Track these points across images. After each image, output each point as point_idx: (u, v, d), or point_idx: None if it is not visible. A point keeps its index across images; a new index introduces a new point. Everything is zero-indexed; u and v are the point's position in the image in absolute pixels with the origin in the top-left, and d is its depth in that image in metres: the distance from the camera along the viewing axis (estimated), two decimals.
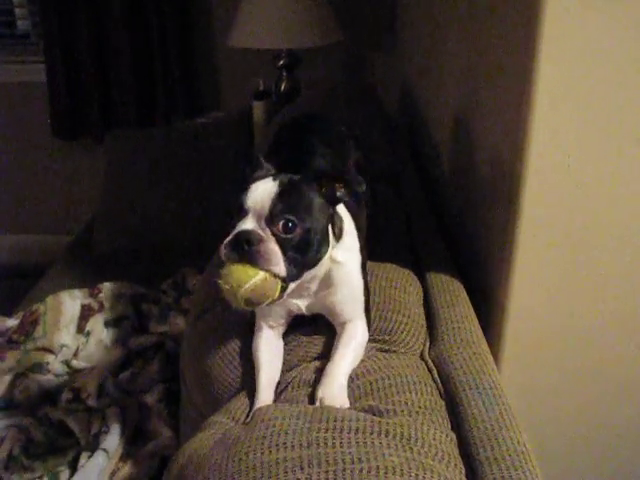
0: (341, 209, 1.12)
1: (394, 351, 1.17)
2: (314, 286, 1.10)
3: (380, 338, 1.18)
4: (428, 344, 1.24)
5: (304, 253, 1.00)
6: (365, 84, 2.65)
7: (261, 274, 0.96)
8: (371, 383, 1.06)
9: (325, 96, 2.54)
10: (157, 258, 2.46)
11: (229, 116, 3.09)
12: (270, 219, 0.97)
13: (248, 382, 1.15)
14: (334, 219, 1.08)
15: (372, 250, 1.43)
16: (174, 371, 1.62)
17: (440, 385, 1.12)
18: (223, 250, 0.97)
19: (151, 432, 1.57)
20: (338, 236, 1.10)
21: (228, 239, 0.97)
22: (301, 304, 1.14)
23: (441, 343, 1.21)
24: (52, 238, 3.65)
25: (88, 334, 1.86)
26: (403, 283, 1.34)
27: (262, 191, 1.00)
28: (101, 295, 1.97)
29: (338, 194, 1.04)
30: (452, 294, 1.35)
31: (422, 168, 2.17)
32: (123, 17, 3.15)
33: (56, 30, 3.22)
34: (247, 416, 1.06)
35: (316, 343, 1.19)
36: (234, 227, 0.99)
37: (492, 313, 1.37)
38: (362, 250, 1.18)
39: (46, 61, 3.31)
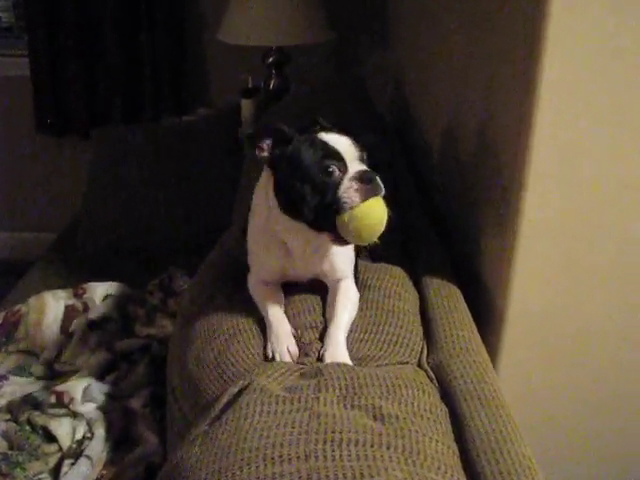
0: None
1: (391, 364, 1.13)
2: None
3: (374, 354, 1.15)
4: (426, 352, 1.20)
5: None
6: (355, 81, 2.60)
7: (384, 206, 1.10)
8: (372, 377, 1.03)
9: (314, 93, 2.51)
10: (143, 257, 2.40)
11: (217, 113, 3.04)
12: (361, 159, 1.12)
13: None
14: None
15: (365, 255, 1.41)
16: (160, 375, 1.57)
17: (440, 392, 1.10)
18: (355, 192, 1.08)
19: (136, 438, 1.52)
20: None
21: (354, 183, 1.08)
22: (299, 270, 1.27)
23: (439, 351, 1.18)
24: (36, 236, 3.58)
25: (72, 336, 1.80)
26: (398, 290, 1.31)
27: (344, 141, 1.13)
28: (86, 295, 1.92)
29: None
30: (450, 300, 1.31)
31: (414, 168, 2.14)
32: (111, 10, 3.07)
33: (40, 23, 3.13)
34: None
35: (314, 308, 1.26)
36: (340, 178, 1.09)
37: (490, 319, 1.34)
38: None
39: (30, 55, 3.22)
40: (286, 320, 1.22)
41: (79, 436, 1.52)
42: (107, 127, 2.87)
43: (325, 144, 1.12)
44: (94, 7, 3.09)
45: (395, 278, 1.36)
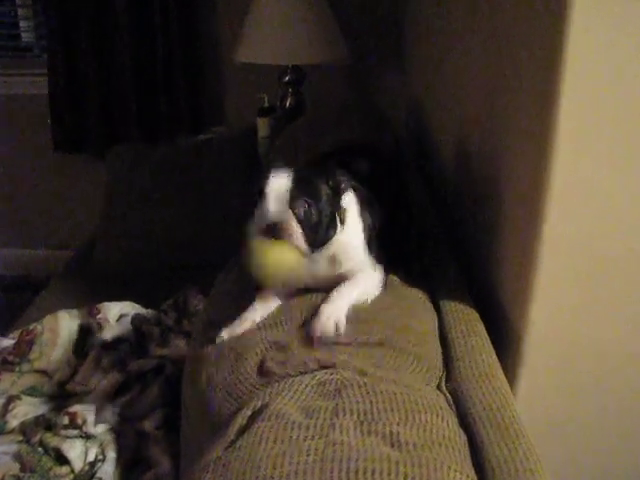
0: (348, 201, 1.29)
1: (410, 385, 1.10)
2: (322, 263, 1.26)
3: (391, 379, 1.12)
4: (444, 376, 1.18)
5: (317, 231, 1.19)
6: (371, 100, 2.60)
7: (287, 247, 1.15)
8: (392, 401, 1.00)
9: (329, 113, 2.51)
10: (158, 276, 2.39)
11: (233, 132, 3.04)
12: (291, 201, 1.16)
13: None
14: (340, 209, 1.26)
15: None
16: (175, 396, 1.56)
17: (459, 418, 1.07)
18: (253, 229, 1.16)
19: (149, 461, 1.50)
20: (342, 223, 1.27)
21: (256, 220, 1.17)
22: (312, 283, 1.30)
23: (458, 376, 1.16)
24: (53, 253, 3.59)
25: (85, 356, 1.79)
26: (417, 311, 1.29)
27: (281, 180, 1.18)
28: (100, 315, 1.91)
29: (342, 185, 1.25)
30: (468, 324, 1.29)
31: (430, 186, 2.12)
32: (127, 31, 3.11)
33: (59, 43, 3.18)
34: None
35: None
36: (257, 211, 1.17)
37: (508, 343, 1.31)
38: (368, 234, 1.33)
39: (49, 74, 3.26)
40: (258, 314, 1.27)
41: (91, 458, 1.50)
42: (122, 145, 2.87)
43: (267, 177, 1.19)
44: (111, 27, 3.13)
45: (413, 297, 1.34)
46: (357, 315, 1.24)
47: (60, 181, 3.55)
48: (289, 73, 2.92)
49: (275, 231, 1.15)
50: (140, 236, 2.51)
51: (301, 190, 1.18)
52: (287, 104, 2.97)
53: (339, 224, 1.26)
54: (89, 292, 2.36)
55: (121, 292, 2.22)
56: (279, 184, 1.18)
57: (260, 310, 1.28)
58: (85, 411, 1.58)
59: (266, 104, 2.94)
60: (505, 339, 1.32)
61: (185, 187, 2.58)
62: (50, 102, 3.29)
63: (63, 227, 3.61)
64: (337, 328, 1.17)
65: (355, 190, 1.30)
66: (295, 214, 1.16)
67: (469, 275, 1.52)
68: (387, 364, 1.14)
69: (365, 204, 1.34)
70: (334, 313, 1.19)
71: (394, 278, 1.39)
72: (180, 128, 3.20)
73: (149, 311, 2.02)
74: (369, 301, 1.28)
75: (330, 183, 1.23)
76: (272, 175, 1.19)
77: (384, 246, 1.39)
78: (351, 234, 1.30)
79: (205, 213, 2.50)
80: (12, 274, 3.67)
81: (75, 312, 1.91)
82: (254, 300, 1.31)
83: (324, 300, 1.23)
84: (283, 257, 1.15)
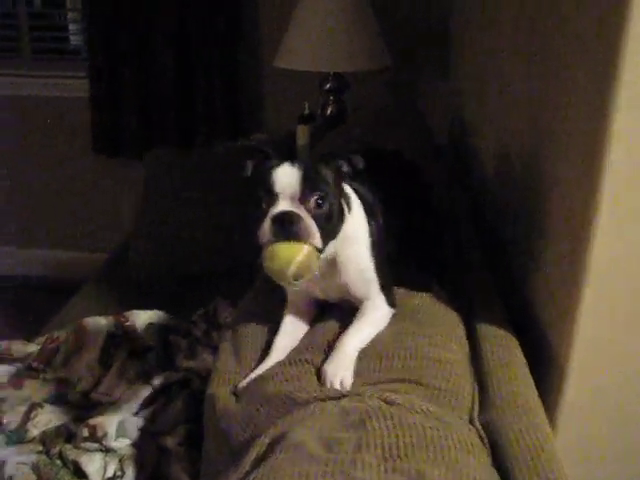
0: (350, 192, 1.23)
1: (440, 417, 1.03)
2: (324, 266, 1.17)
3: (420, 410, 1.04)
4: (477, 407, 1.10)
5: (330, 225, 1.12)
6: (413, 110, 2.53)
7: (305, 248, 1.07)
8: (420, 436, 0.93)
9: (371, 121, 2.44)
10: (191, 285, 2.36)
11: (272, 138, 2.99)
12: (303, 197, 1.08)
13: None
14: (342, 195, 1.19)
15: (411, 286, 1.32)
16: (199, 412, 1.50)
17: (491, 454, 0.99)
18: (267, 232, 1.07)
19: (168, 478, 1.45)
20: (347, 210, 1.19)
21: (270, 220, 1.07)
22: (318, 289, 1.26)
23: (493, 408, 1.08)
24: (88, 256, 3.59)
25: (110, 365, 1.75)
26: (444, 339, 1.21)
27: (288, 175, 1.09)
28: (128, 324, 1.87)
29: (344, 169, 1.16)
30: (506, 351, 1.21)
31: (470, 197, 2.04)
32: (167, 36, 3.11)
33: (101, 46, 3.19)
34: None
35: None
36: (265, 212, 1.09)
37: (547, 369, 1.22)
38: (372, 234, 1.25)
39: (90, 77, 3.27)
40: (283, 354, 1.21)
41: (110, 474, 1.45)
42: (160, 148, 2.84)
43: (269, 174, 1.10)
44: (153, 33, 3.12)
45: (443, 325, 1.26)
46: (375, 347, 1.18)
47: (99, 183, 3.55)
48: (330, 81, 2.87)
49: (290, 231, 1.07)
50: (175, 240, 2.48)
51: (311, 182, 1.09)
52: (328, 112, 2.91)
53: (346, 212, 1.18)
54: (121, 297, 2.34)
55: (153, 298, 2.21)
56: (287, 178, 1.09)
57: (277, 356, 1.22)
58: (106, 423, 1.53)
59: (307, 111, 2.89)
60: (544, 364, 1.24)
61: (221, 193, 2.54)
62: (91, 105, 3.29)
63: (101, 230, 3.62)
64: (342, 386, 1.09)
65: (353, 180, 1.22)
66: (308, 210, 1.09)
67: (504, 291, 1.44)
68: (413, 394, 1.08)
69: (371, 210, 1.27)
70: (338, 372, 1.10)
71: (417, 298, 1.32)
72: (218, 133, 3.16)
73: (178, 321, 1.97)
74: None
75: (331, 165, 1.15)
76: (274, 170, 1.10)
77: (399, 259, 1.32)
78: (353, 225, 1.21)
79: (241, 220, 2.45)
80: (50, 275, 3.69)
81: (101, 320, 1.87)
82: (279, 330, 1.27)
83: (329, 356, 1.15)
84: (305, 259, 1.07)
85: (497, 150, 1.82)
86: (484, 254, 1.61)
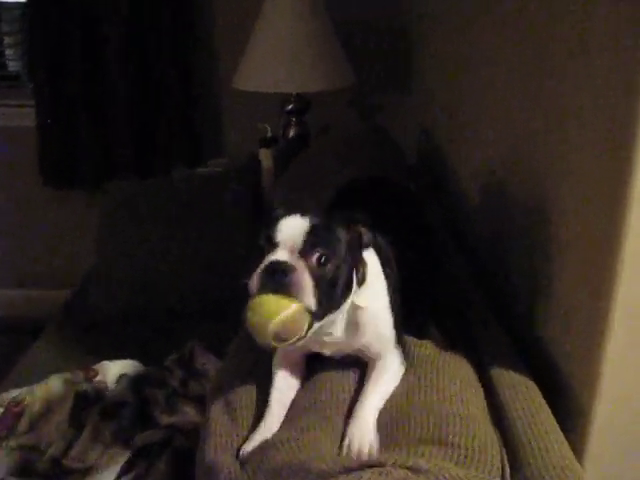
0: (369, 254, 1.12)
1: None
2: (338, 331, 1.10)
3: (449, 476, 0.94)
4: (508, 470, 1.00)
5: (332, 290, 1.00)
6: (381, 129, 2.44)
7: (293, 306, 0.95)
8: None
9: (338, 143, 2.35)
10: (161, 323, 2.21)
11: (235, 164, 2.86)
12: (304, 251, 0.99)
13: None
14: (358, 264, 1.08)
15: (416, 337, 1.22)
16: (186, 472, 1.38)
17: None
18: (256, 280, 0.97)
19: None
20: (361, 281, 1.09)
21: (261, 269, 0.98)
22: (326, 350, 1.15)
23: (527, 469, 0.98)
24: (48, 293, 3.40)
25: (82, 427, 1.60)
26: (458, 391, 1.10)
27: (293, 225, 1.01)
28: (98, 378, 1.72)
29: (365, 239, 1.07)
30: (528, 400, 1.11)
31: (449, 222, 1.95)
32: (119, 58, 2.94)
33: (45, 70, 3.01)
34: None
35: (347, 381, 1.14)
36: (262, 261, 0.99)
37: (569, 423, 1.13)
38: (391, 292, 1.16)
39: (36, 104, 3.09)
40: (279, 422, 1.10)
41: None
42: (118, 180, 2.68)
43: (275, 222, 1.02)
44: (103, 55, 2.96)
45: (455, 375, 1.16)
46: (389, 411, 1.08)
47: (51, 218, 3.36)
48: (292, 102, 2.76)
49: (279, 282, 0.96)
50: (138, 280, 2.31)
51: (317, 237, 1.00)
52: (290, 134, 2.81)
53: (355, 284, 1.07)
54: (85, 342, 2.18)
55: (120, 341, 2.12)
56: (291, 229, 1.00)
57: (277, 412, 1.12)
58: None
59: (269, 134, 2.78)
60: (565, 414, 1.14)
61: (186, 226, 2.40)
62: (38, 134, 3.11)
63: (57, 266, 3.42)
64: (370, 453, 1.01)
65: (376, 243, 1.12)
66: (308, 265, 0.98)
67: (510, 331, 1.35)
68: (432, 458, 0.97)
69: (387, 259, 1.18)
70: (364, 438, 1.02)
71: (422, 347, 1.22)
72: (177, 160, 3.02)
73: (152, 369, 1.83)
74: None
75: (351, 231, 1.05)
76: (282, 219, 1.02)
77: (408, 307, 1.22)
78: (375, 298, 1.13)
79: (209, 255, 2.31)
80: (8, 315, 3.47)
81: (69, 376, 1.71)
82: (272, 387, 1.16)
83: (350, 418, 1.07)
84: (289, 319, 0.95)
85: (480, 165, 1.74)
86: (478, 286, 1.53)
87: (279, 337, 0.96)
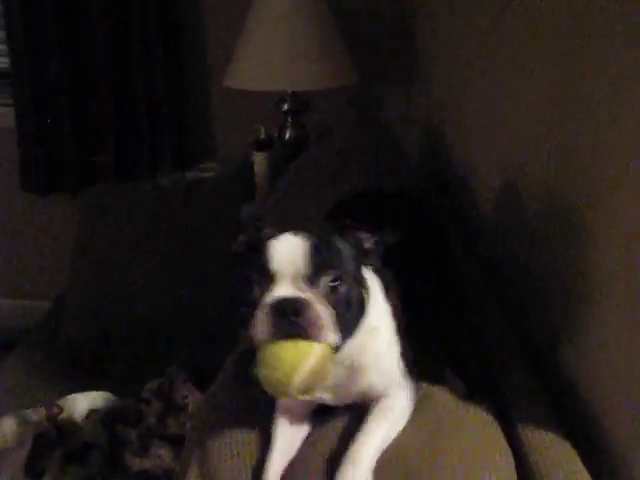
0: (365, 270, 0.96)
1: None
2: (340, 370, 0.92)
3: None
4: None
5: (348, 313, 0.86)
6: (382, 127, 2.25)
7: (316, 350, 0.81)
8: None
9: (340, 147, 2.15)
10: (138, 348, 2.02)
11: (226, 168, 2.66)
12: (311, 278, 0.83)
13: None
14: (362, 277, 0.94)
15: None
16: None
17: None
18: (262, 327, 0.81)
19: None
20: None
21: (265, 312, 0.82)
22: (327, 397, 0.98)
23: None
24: (25, 303, 3.21)
25: (42, 475, 1.40)
26: (485, 454, 0.91)
27: (289, 248, 0.85)
28: (62, 416, 1.52)
29: (367, 245, 0.93)
30: (566, 468, 0.91)
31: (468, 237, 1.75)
32: (104, 56, 2.76)
33: (27, 69, 2.82)
34: None
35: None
36: (258, 299, 0.83)
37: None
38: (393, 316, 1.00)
39: (15, 104, 2.89)
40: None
41: None
42: (96, 186, 2.47)
43: (264, 247, 0.86)
44: (87, 52, 2.78)
45: (476, 432, 0.96)
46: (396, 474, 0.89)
47: (29, 224, 3.16)
48: (288, 101, 2.55)
49: (295, 326, 0.80)
50: (115, 299, 2.08)
51: (321, 257, 0.85)
52: (287, 136, 2.60)
53: (367, 298, 0.92)
54: (56, 368, 1.99)
55: (92, 371, 1.95)
56: (288, 253, 0.84)
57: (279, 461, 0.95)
58: None
59: (263, 136, 2.57)
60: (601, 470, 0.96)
61: (171, 236, 2.19)
62: (17, 136, 2.91)
63: (35, 275, 3.23)
64: None
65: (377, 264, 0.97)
66: (320, 294, 0.83)
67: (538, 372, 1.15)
68: None
69: (384, 275, 1.01)
70: None
71: (440, 394, 1.03)
72: (164, 164, 2.82)
73: (126, 402, 1.63)
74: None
75: (349, 239, 0.91)
76: (272, 241, 0.86)
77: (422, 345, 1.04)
78: (378, 324, 0.96)
79: (195, 269, 2.09)
80: None
81: (28, 415, 1.51)
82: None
83: (343, 457, 0.90)
84: (317, 365, 0.80)
85: (499, 164, 1.54)
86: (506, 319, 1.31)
87: (308, 389, 0.83)
